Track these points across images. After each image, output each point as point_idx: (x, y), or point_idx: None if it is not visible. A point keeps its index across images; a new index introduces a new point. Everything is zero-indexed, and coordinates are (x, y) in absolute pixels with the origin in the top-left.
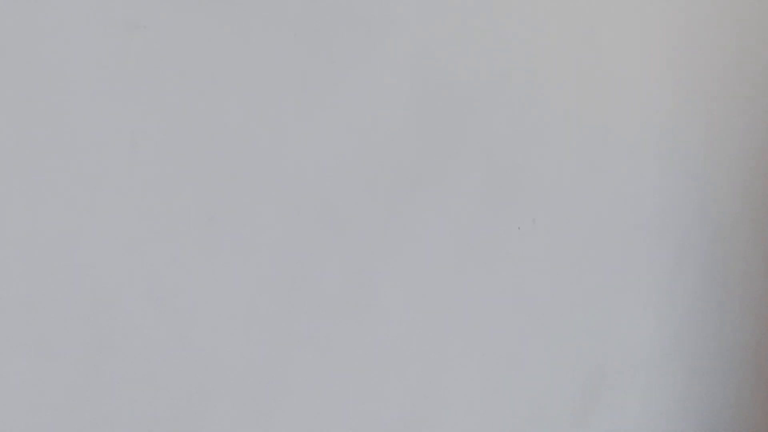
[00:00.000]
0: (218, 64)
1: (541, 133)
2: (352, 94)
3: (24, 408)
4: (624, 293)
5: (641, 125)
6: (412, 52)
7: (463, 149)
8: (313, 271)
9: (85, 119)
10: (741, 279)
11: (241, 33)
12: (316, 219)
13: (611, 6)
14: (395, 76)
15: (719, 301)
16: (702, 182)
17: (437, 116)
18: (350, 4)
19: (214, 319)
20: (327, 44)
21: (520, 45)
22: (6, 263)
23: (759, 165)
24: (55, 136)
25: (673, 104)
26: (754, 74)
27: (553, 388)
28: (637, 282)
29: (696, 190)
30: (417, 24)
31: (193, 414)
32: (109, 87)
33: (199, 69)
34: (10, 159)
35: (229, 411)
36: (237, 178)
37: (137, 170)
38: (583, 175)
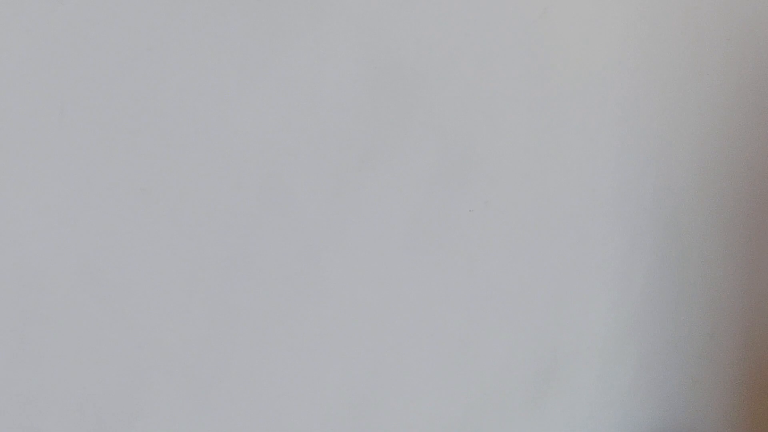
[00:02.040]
0: (154, 30)
1: (494, 115)
2: (298, 67)
3: None
4: (578, 277)
5: (596, 107)
6: (361, 26)
7: (414, 128)
8: (256, 246)
9: (9, 86)
10: (696, 264)
11: (182, 3)
12: (260, 192)
13: None
14: (343, 50)
15: (674, 287)
16: (658, 167)
17: (387, 93)
18: None
19: (150, 293)
20: (271, 13)
21: (472, 23)
22: None
23: (715, 150)
24: None
25: (630, 86)
26: (712, 60)
27: (506, 371)
28: (591, 266)
29: (652, 174)
30: (365, 4)
31: (128, 391)
32: (36, 53)
33: (134, 35)
34: None
35: (166, 388)
36: (174, 149)
37: (66, 139)
38: (537, 157)
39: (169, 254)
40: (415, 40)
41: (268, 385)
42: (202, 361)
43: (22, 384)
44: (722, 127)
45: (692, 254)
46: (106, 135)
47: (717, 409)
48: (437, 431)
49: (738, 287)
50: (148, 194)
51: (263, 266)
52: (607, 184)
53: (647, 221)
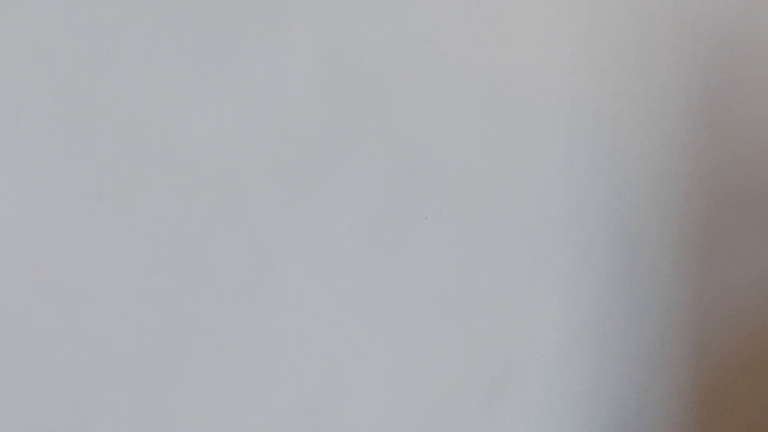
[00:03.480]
0: (106, 28)
1: (448, 123)
2: (253, 71)
3: None
4: (530, 285)
5: (547, 118)
6: (316, 31)
7: (370, 134)
8: (210, 253)
9: None
10: (647, 273)
11: (138, 3)
12: (213, 199)
13: None
14: (298, 55)
15: (625, 295)
16: (609, 176)
17: (341, 100)
18: None
19: (103, 300)
20: (227, 16)
21: (426, 31)
22: None
23: (667, 159)
24: None
25: (580, 97)
26: (662, 68)
27: (458, 379)
28: (543, 274)
29: (602, 184)
30: (323, 6)
31: (81, 401)
32: None
33: (86, 35)
34: None
35: (120, 397)
36: (128, 152)
37: (20, 140)
38: (489, 166)
39: (123, 260)
40: (372, 46)
41: (223, 391)
42: (156, 368)
43: None
44: (674, 136)
45: (643, 263)
46: (59, 139)
47: (668, 417)
48: None
49: (689, 296)
50: (101, 199)
51: (217, 271)
52: (557, 195)
53: (598, 230)
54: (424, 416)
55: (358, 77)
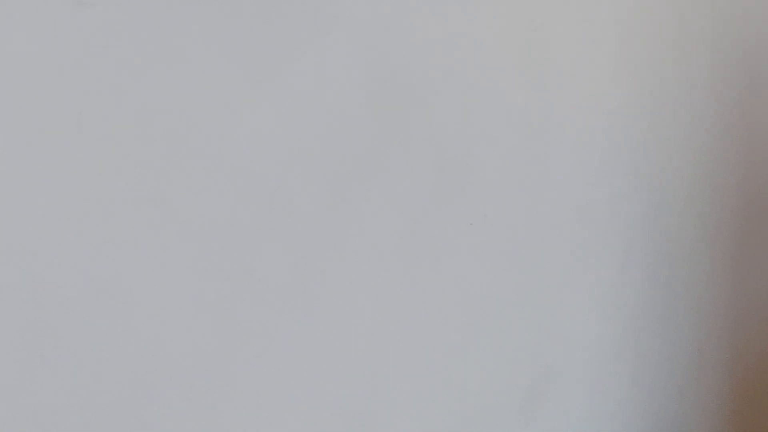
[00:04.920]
0: (163, 42)
1: (490, 129)
2: (299, 79)
3: None
4: (569, 293)
5: (588, 124)
6: (360, 40)
7: (413, 141)
8: (259, 259)
9: (28, 98)
10: (684, 281)
11: (187, 11)
12: (262, 205)
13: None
14: (341, 63)
15: (664, 302)
16: (648, 183)
17: (384, 107)
18: None
19: (157, 305)
20: (273, 31)
21: (467, 38)
22: None
23: (707, 166)
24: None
25: (621, 103)
26: (704, 75)
27: (500, 384)
28: (583, 281)
29: (642, 190)
30: (365, 12)
31: (135, 402)
32: (54, 65)
33: (143, 48)
34: None
35: (172, 399)
36: (180, 161)
37: (81, 150)
38: (531, 172)
39: (176, 266)
40: (413, 53)
41: (270, 396)
42: (206, 370)
43: (34, 398)
44: (714, 142)
45: (680, 270)
46: (118, 146)
47: (704, 422)
48: None
49: (726, 303)
50: (157, 207)
51: (266, 278)
52: (598, 202)
53: (637, 239)
54: (465, 423)
55: (400, 84)
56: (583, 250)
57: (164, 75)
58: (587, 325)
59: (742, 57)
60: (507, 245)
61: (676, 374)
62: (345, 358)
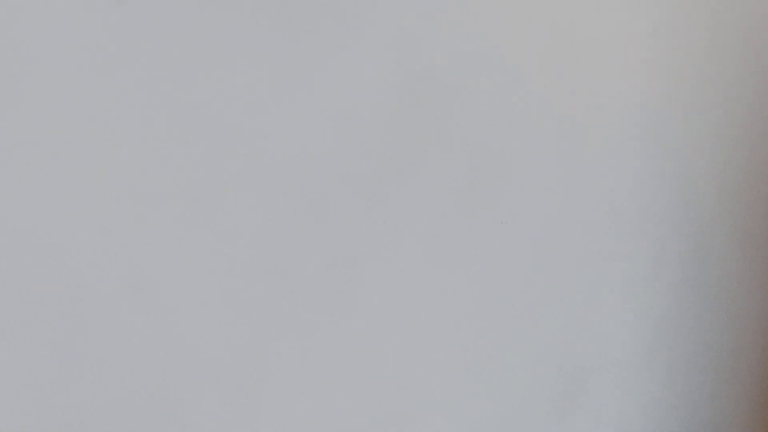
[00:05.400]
0: (198, 40)
1: (523, 128)
2: (332, 79)
3: (14, 395)
4: (603, 292)
5: (621, 123)
6: (394, 41)
7: (446, 142)
8: (294, 261)
9: (63, 97)
10: (717, 280)
11: (222, 14)
12: (298, 207)
13: None
14: (376, 66)
15: (697, 301)
16: (681, 182)
17: (419, 107)
18: None
19: (194, 306)
20: (307, 30)
21: (500, 36)
22: None
23: (739, 166)
24: (37, 116)
25: (653, 102)
26: (735, 73)
27: (533, 383)
28: (616, 281)
29: (675, 189)
30: (398, 13)
31: (172, 402)
32: (90, 64)
33: (179, 51)
34: None
35: (210, 400)
36: (217, 164)
37: (118, 152)
38: (563, 171)
39: (213, 268)
40: (447, 51)
41: (306, 397)
42: (244, 373)
43: (72, 397)
44: (747, 141)
45: (713, 270)
46: (155, 149)
47: (737, 423)
48: None
49: (759, 303)
50: (194, 209)
51: (301, 280)
52: (631, 201)
53: (670, 237)
54: (500, 424)
55: (433, 82)
56: (616, 249)
57: (199, 73)
58: (620, 325)
59: None
60: (539, 244)
61: (708, 374)
62: (378, 356)
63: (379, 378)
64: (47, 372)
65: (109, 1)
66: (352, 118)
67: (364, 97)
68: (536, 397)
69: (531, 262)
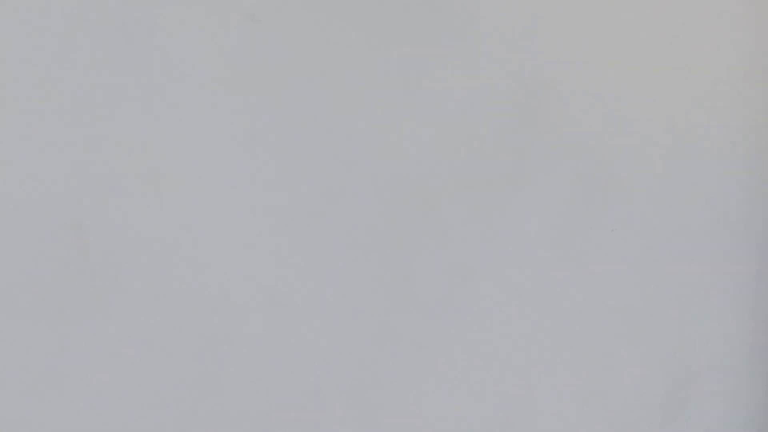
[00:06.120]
0: (323, 55)
1: (632, 135)
2: (449, 91)
3: (147, 400)
4: (708, 298)
5: (725, 127)
6: (509, 51)
7: (557, 149)
8: (410, 268)
9: (199, 113)
10: None
11: (342, 27)
12: (417, 216)
13: (702, 3)
14: (490, 69)
15: None
16: None
17: (530, 114)
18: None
19: (319, 314)
20: (422, 40)
21: (610, 47)
22: (129, 265)
23: None
24: (174, 129)
25: (759, 108)
26: None
27: (641, 387)
28: (720, 286)
29: None
30: (512, 21)
31: (300, 407)
32: (225, 79)
33: (305, 65)
34: (126, 156)
35: (335, 405)
36: (339, 174)
37: (249, 165)
38: (671, 179)
39: (336, 277)
40: (558, 61)
41: (424, 395)
42: (366, 379)
43: (208, 404)
44: None
45: None
46: (284, 162)
47: None
48: None
49: None
50: (319, 220)
51: (418, 283)
52: (737, 203)
53: None
54: (608, 427)
55: (545, 91)
56: (721, 255)
57: (324, 84)
58: (724, 329)
59: None
60: (645, 250)
61: None
62: (493, 361)
63: (492, 382)
64: (191, 376)
65: (243, 19)
66: (466, 125)
67: (480, 105)
68: (644, 397)
69: (638, 268)
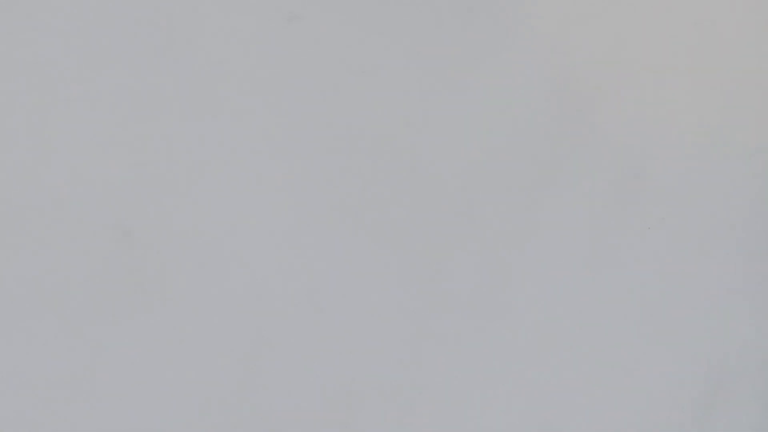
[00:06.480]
0: (362, 53)
1: (668, 136)
2: (489, 88)
3: (193, 404)
4: (744, 297)
5: (762, 128)
6: (546, 48)
7: (596, 146)
8: (448, 265)
9: (242, 110)
10: None
11: (382, 26)
12: (453, 215)
13: (735, 4)
14: (529, 67)
15: None
16: None
17: (568, 110)
18: (487, 5)
19: (357, 315)
20: (466, 43)
21: (647, 43)
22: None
23: None
24: (218, 131)
25: None
26: None
27: (674, 388)
28: (757, 285)
29: None
30: (552, 18)
31: (344, 407)
32: (266, 77)
33: (346, 58)
34: (170, 159)
35: (373, 406)
36: (378, 174)
37: (293, 166)
38: (706, 176)
39: (374, 277)
40: (596, 58)
41: (460, 396)
42: (407, 377)
43: (254, 406)
44: None
45: None
46: (327, 161)
47: None
48: None
49: None
50: (356, 220)
51: (456, 283)
52: None
53: None
54: (642, 423)
55: (582, 92)
56: (757, 253)
57: (363, 84)
58: (759, 330)
59: None
60: (683, 248)
61: None
62: (529, 360)
63: (529, 381)
64: (232, 381)
65: (283, 19)
66: (508, 123)
67: (516, 103)
68: (675, 401)
69: (675, 266)
